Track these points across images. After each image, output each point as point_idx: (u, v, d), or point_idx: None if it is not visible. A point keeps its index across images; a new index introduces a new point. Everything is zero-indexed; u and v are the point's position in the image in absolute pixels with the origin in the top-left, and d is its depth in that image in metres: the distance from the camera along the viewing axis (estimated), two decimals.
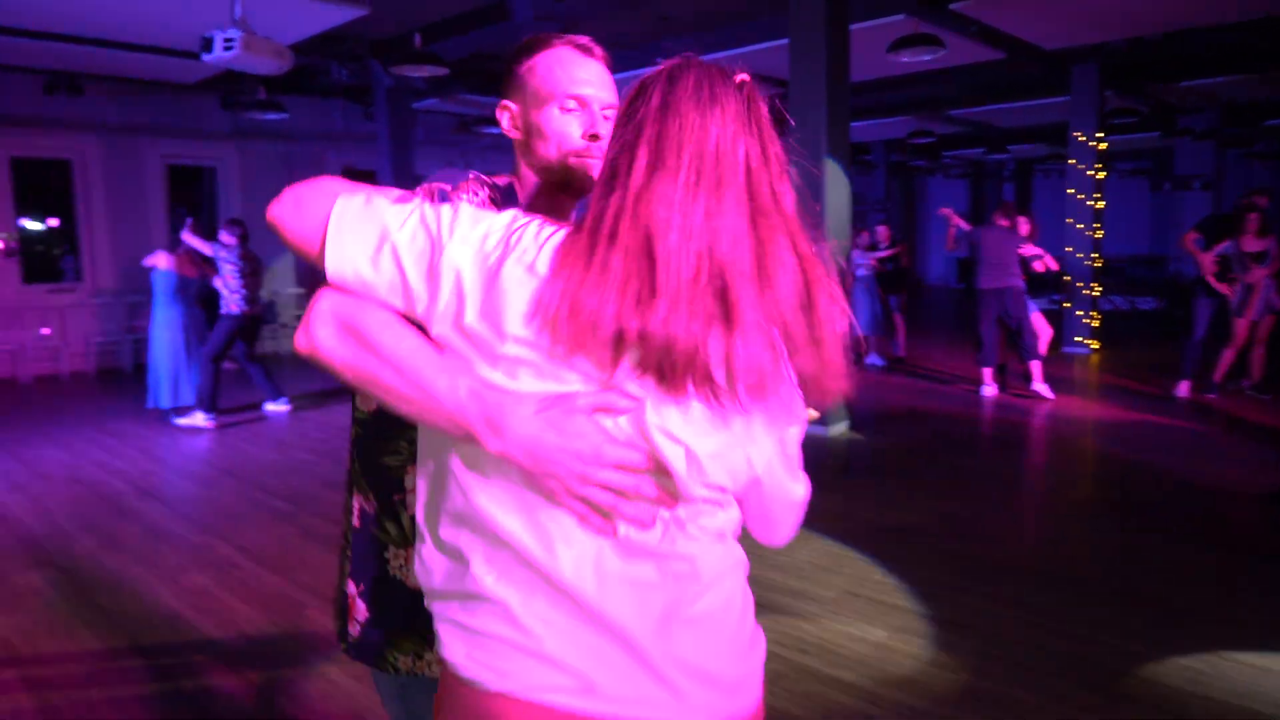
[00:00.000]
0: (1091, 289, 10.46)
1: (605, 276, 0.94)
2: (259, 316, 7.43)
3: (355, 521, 1.27)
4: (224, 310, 7.13)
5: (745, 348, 0.95)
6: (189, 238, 7.44)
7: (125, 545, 4.37)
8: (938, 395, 7.94)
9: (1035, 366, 7.54)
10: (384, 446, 1.25)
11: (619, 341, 0.94)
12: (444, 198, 1.23)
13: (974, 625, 3.28)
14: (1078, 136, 10.40)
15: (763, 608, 1.81)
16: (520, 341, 0.96)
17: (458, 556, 1.03)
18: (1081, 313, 10.45)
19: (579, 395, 0.96)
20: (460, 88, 10.90)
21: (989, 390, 7.79)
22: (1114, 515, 4.67)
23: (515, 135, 1.34)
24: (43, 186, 10.77)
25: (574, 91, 1.28)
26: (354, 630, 1.27)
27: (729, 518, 1.06)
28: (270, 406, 7.62)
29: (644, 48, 9.76)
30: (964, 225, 7.94)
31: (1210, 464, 5.47)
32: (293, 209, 1.06)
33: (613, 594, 0.99)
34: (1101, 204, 10.50)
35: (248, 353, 7.43)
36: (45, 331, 10.20)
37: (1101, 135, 10.34)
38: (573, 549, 0.99)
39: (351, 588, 1.28)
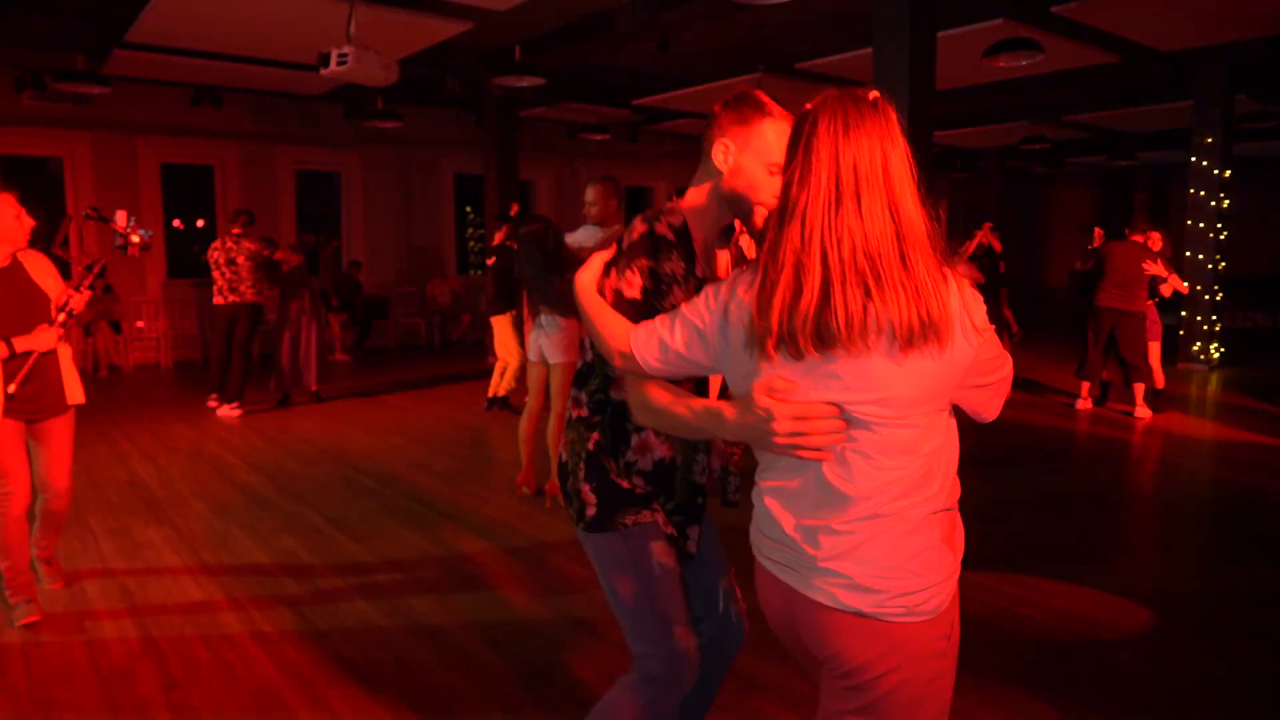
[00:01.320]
0: (1214, 310, 9.88)
1: (766, 290, 1.34)
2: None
3: (590, 447, 1.87)
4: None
5: (898, 313, 1.27)
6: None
7: (231, 511, 4.85)
8: (1026, 405, 7.72)
9: (1138, 389, 7.19)
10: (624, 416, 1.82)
11: (782, 336, 1.32)
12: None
13: None
14: (1201, 143, 9.87)
15: None
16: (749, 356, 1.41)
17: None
18: (1205, 326, 9.89)
19: (756, 385, 1.38)
20: (566, 97, 11.32)
21: (1083, 403, 7.53)
22: (1198, 535, 4.49)
23: (724, 168, 1.75)
24: (189, 189, 11.84)
25: (779, 160, 1.62)
26: (589, 513, 1.85)
27: (910, 434, 1.36)
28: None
29: (740, 55, 9.92)
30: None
31: None
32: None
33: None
34: (1223, 224, 9.90)
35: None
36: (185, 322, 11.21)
37: (1211, 141, 9.76)
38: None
39: (585, 489, 1.86)
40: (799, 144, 1.38)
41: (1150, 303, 7.24)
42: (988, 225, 10.28)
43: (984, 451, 6.14)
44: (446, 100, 11.84)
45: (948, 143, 16.15)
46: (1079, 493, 5.21)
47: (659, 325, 1.55)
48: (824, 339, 1.30)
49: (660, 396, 1.57)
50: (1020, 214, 22.31)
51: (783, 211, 1.38)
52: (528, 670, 3.01)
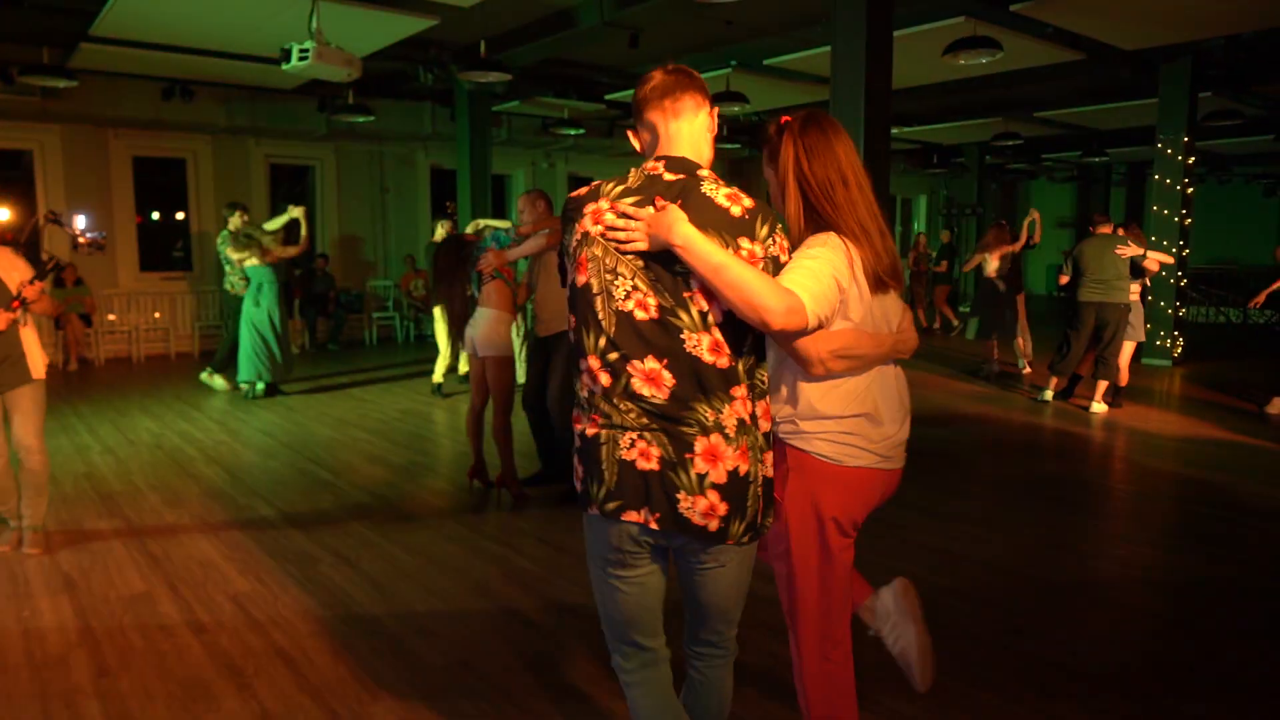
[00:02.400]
0: (1177, 304, 10.02)
1: (861, 250, 1.94)
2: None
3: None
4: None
5: (895, 263, 1.99)
6: None
7: (185, 503, 4.90)
8: (994, 399, 7.83)
9: (1101, 385, 7.31)
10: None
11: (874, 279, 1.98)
12: None
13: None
14: (1166, 140, 9.98)
15: None
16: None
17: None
18: (1169, 310, 10.03)
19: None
20: (538, 91, 11.35)
21: (1046, 396, 7.64)
22: (1150, 531, 4.60)
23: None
24: (161, 183, 11.83)
25: None
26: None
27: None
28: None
29: (711, 51, 9.97)
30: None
31: (1256, 481, 5.28)
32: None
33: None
34: (1186, 213, 10.03)
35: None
36: (156, 315, 11.20)
37: (1174, 138, 9.88)
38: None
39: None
40: (806, 154, 1.99)
41: (1136, 300, 7.35)
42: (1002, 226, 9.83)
43: (947, 445, 6.24)
44: (420, 94, 11.85)
45: (924, 139, 16.25)
46: (1024, 480, 5.31)
47: (817, 279, 1.78)
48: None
49: (847, 337, 1.95)
50: (1001, 210, 22.46)
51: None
52: (455, 658, 3.08)
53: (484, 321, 4.71)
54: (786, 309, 1.65)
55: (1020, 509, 4.83)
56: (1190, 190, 10.12)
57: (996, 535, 4.38)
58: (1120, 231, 7.42)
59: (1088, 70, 10.08)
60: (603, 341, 1.77)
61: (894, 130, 14.32)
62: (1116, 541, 4.40)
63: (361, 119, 10.26)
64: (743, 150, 15.45)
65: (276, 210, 11.60)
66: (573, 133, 12.65)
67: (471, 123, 10.89)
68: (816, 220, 1.96)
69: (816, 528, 2.00)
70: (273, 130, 11.60)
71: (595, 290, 1.78)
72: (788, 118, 2.03)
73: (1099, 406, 7.30)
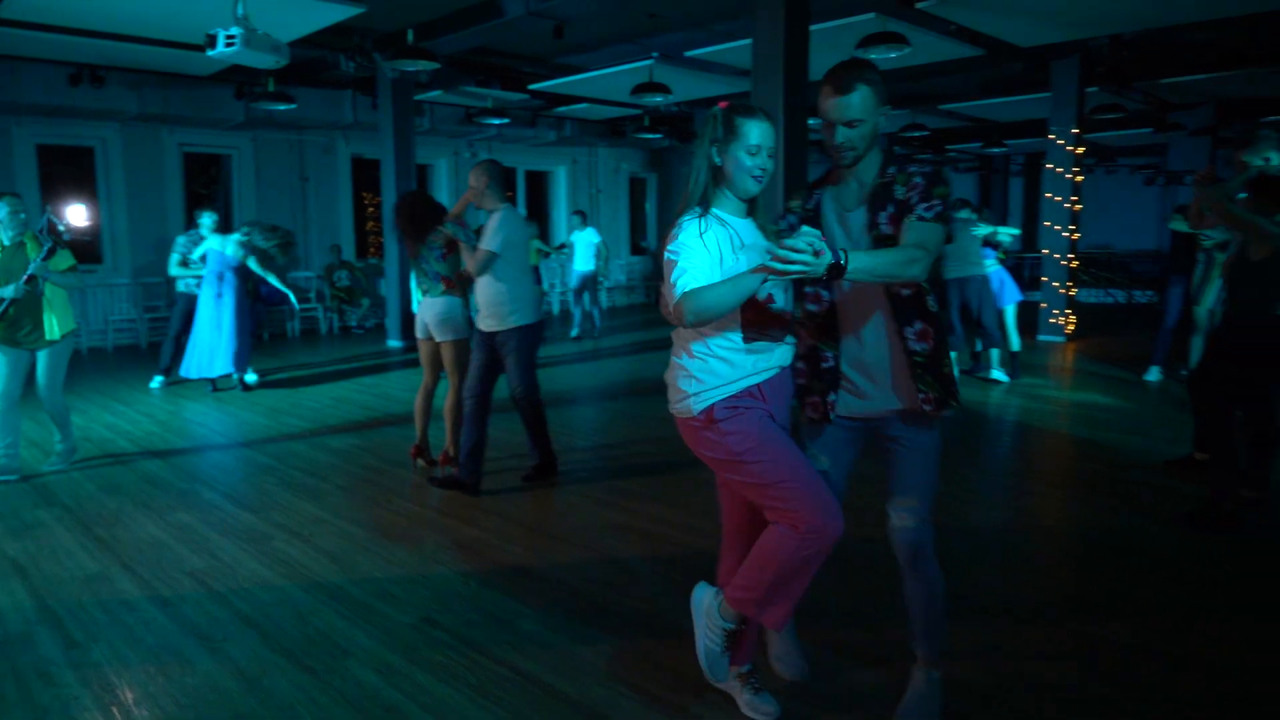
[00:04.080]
0: (1069, 275, 10.75)
1: None
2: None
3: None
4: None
5: None
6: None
7: (123, 490, 4.89)
8: None
9: (993, 354, 7.89)
10: None
11: None
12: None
13: (848, 558, 3.70)
14: (1055, 132, 10.68)
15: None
16: None
17: None
18: (1061, 291, 10.76)
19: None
20: (464, 81, 11.38)
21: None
22: (1012, 476, 5.06)
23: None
24: (67, 173, 11.40)
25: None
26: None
27: None
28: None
29: (635, 42, 10.21)
30: None
31: (1138, 438, 5.84)
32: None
33: None
34: (1077, 199, 10.78)
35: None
36: None
37: (1077, 131, 10.60)
38: None
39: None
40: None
41: (1001, 268, 7.99)
42: None
43: None
44: (342, 82, 11.73)
45: None
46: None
47: None
48: None
49: None
50: None
51: None
52: (420, 616, 3.25)
53: (439, 305, 4.85)
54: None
55: None
56: (1079, 179, 10.86)
57: None
58: (976, 214, 8.08)
59: (988, 66, 10.72)
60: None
61: (811, 121, 14.83)
62: (1018, 494, 4.84)
63: (282, 107, 10.13)
64: (663, 140, 15.74)
65: (191, 203, 11.40)
66: (497, 123, 12.72)
67: (394, 111, 10.85)
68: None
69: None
70: (187, 118, 11.31)
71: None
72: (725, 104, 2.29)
73: (998, 374, 7.88)
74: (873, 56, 8.10)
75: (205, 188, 12.52)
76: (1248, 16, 8.56)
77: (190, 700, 2.68)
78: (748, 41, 8.99)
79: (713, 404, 2.29)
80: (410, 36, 8.67)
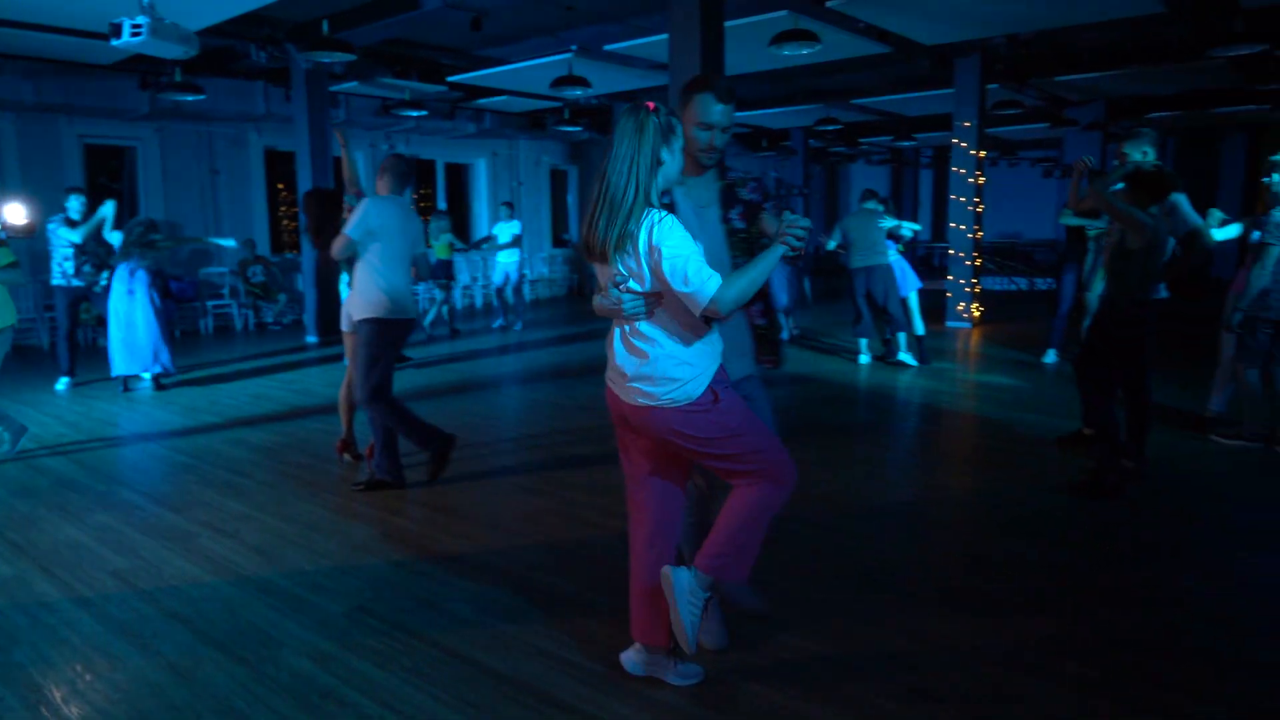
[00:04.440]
0: (974, 272, 11.28)
1: None
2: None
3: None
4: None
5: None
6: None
7: (36, 493, 4.77)
8: (819, 363, 8.63)
9: (900, 338, 8.26)
10: None
11: None
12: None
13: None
14: (961, 126, 11.18)
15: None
16: None
17: None
18: (966, 288, 11.27)
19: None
20: (381, 72, 11.23)
21: (865, 358, 8.52)
22: (921, 455, 5.36)
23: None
24: None
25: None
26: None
27: None
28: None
29: (554, 35, 10.26)
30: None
31: (1034, 415, 6.23)
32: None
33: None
34: (981, 188, 11.31)
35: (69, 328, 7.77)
36: None
37: (968, 125, 11.11)
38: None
39: None
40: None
41: (900, 258, 8.38)
42: None
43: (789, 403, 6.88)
44: (253, 73, 11.45)
45: (754, 123, 17.19)
46: (848, 427, 6.02)
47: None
48: None
49: None
50: (825, 190, 23.99)
51: None
52: (353, 605, 3.31)
53: (351, 296, 4.86)
54: None
55: (845, 450, 5.51)
56: (982, 180, 11.38)
57: (827, 472, 5.01)
58: (883, 205, 8.45)
59: (896, 62, 11.13)
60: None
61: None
62: (924, 471, 5.14)
63: (190, 98, 9.83)
64: (583, 133, 15.81)
65: (93, 197, 10.95)
66: (414, 115, 12.59)
67: (309, 103, 10.65)
68: None
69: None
70: (87, 108, 10.87)
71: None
72: (652, 104, 2.40)
73: (905, 358, 8.27)
74: (785, 53, 8.38)
75: (112, 181, 12.04)
76: (1133, 19, 9.14)
77: (121, 696, 2.69)
78: (664, 36, 9.19)
79: (710, 384, 2.44)
80: (325, 27, 8.54)
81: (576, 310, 14.37)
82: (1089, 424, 5.36)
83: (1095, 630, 3.03)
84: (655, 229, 2.30)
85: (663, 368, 2.42)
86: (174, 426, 6.33)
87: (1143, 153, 4.87)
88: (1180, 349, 8.47)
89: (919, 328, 8.48)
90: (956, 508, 4.47)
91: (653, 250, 2.31)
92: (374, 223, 4.52)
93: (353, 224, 4.50)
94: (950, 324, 11.21)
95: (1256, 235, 5.20)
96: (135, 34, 6.17)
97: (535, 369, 8.78)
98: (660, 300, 2.41)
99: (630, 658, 2.73)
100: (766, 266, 2.33)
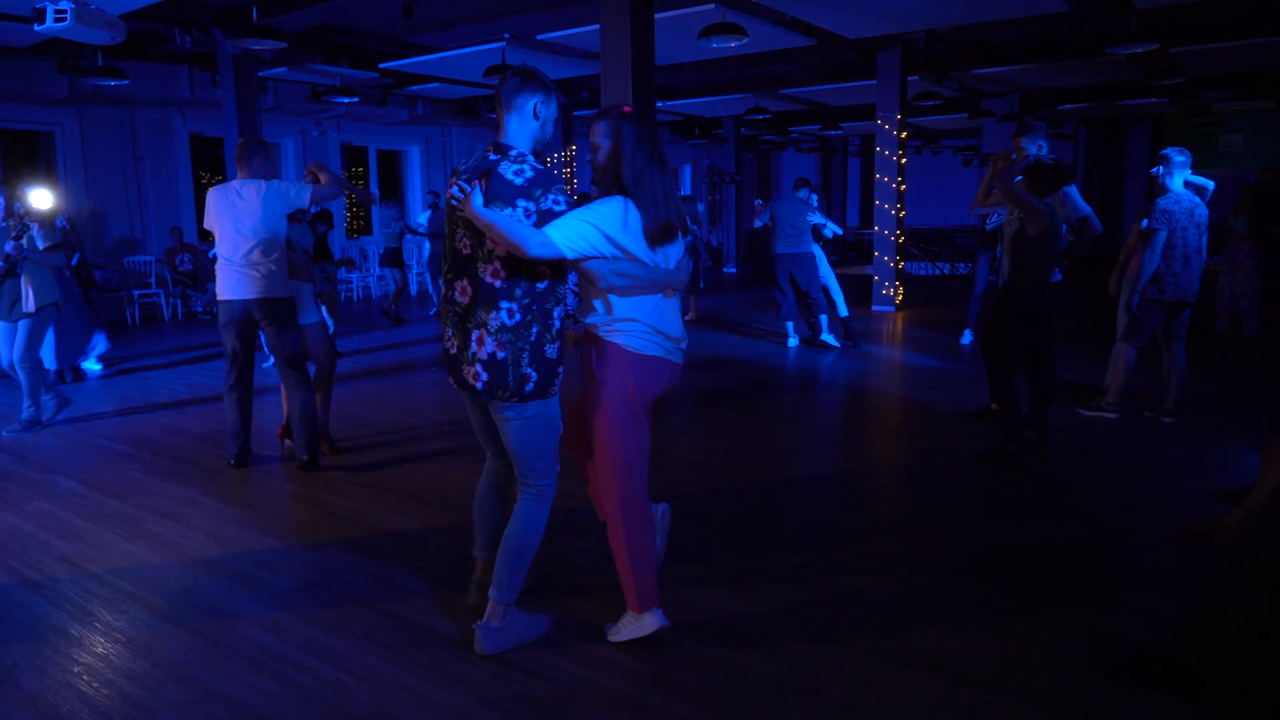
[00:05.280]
0: (897, 258, 11.76)
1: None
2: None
3: (532, 338, 2.69)
4: None
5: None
6: None
7: None
8: (748, 346, 8.95)
9: (822, 320, 8.63)
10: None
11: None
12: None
13: (715, 515, 4.16)
14: (884, 116, 11.62)
15: None
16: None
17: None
18: (891, 265, 11.75)
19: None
20: (310, 58, 11.12)
21: (792, 341, 8.87)
22: (849, 427, 5.71)
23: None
24: None
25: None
26: (528, 388, 2.72)
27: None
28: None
29: (486, 23, 10.31)
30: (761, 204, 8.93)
31: (948, 392, 6.63)
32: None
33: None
34: (902, 179, 11.78)
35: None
36: None
37: (891, 111, 11.56)
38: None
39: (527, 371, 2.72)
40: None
41: (822, 245, 8.75)
42: None
43: (711, 385, 7.17)
44: (177, 57, 11.21)
45: (686, 111, 17.45)
46: (774, 406, 6.33)
47: (572, 224, 2.60)
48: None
49: (627, 265, 2.74)
50: (756, 178, 24.42)
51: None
52: (304, 580, 3.46)
53: (298, 291, 4.95)
54: (537, 243, 2.51)
55: (771, 428, 5.82)
56: (904, 161, 11.86)
57: (750, 447, 5.29)
58: (813, 194, 8.78)
59: (821, 54, 11.49)
60: (446, 267, 2.77)
61: (659, 103, 15.31)
62: (844, 445, 5.47)
63: (112, 82, 9.61)
64: None
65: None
66: (346, 101, 12.49)
67: (236, 89, 10.50)
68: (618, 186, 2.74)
69: (628, 397, 2.75)
70: (1, 92, 10.52)
71: (446, 234, 2.73)
72: (629, 108, 2.75)
73: (828, 339, 8.65)
74: (714, 45, 8.61)
75: (31, 166, 11.66)
76: (1041, 16, 9.64)
77: (80, 669, 2.80)
78: (595, 26, 9.35)
79: None
80: (254, 14, 8.45)
81: None
82: (995, 399, 5.78)
83: (990, 580, 3.36)
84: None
85: None
86: (110, 417, 6.29)
87: (1038, 146, 5.25)
88: (1082, 325, 9.03)
89: (842, 309, 8.85)
90: (872, 478, 4.80)
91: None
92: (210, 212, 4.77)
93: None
94: (876, 308, 11.67)
95: (1145, 223, 5.66)
96: (59, 19, 6.08)
97: None
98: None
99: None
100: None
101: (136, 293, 11.83)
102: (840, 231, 9.10)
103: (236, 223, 4.66)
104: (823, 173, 25.04)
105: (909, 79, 11.89)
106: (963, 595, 3.23)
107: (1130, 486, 4.52)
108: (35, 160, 11.80)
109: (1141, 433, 5.52)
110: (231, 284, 4.74)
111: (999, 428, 4.98)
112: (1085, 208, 5.30)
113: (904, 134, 11.75)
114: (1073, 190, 5.23)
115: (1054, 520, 4.01)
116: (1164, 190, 5.54)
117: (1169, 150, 5.47)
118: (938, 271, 18.74)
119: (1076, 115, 17.91)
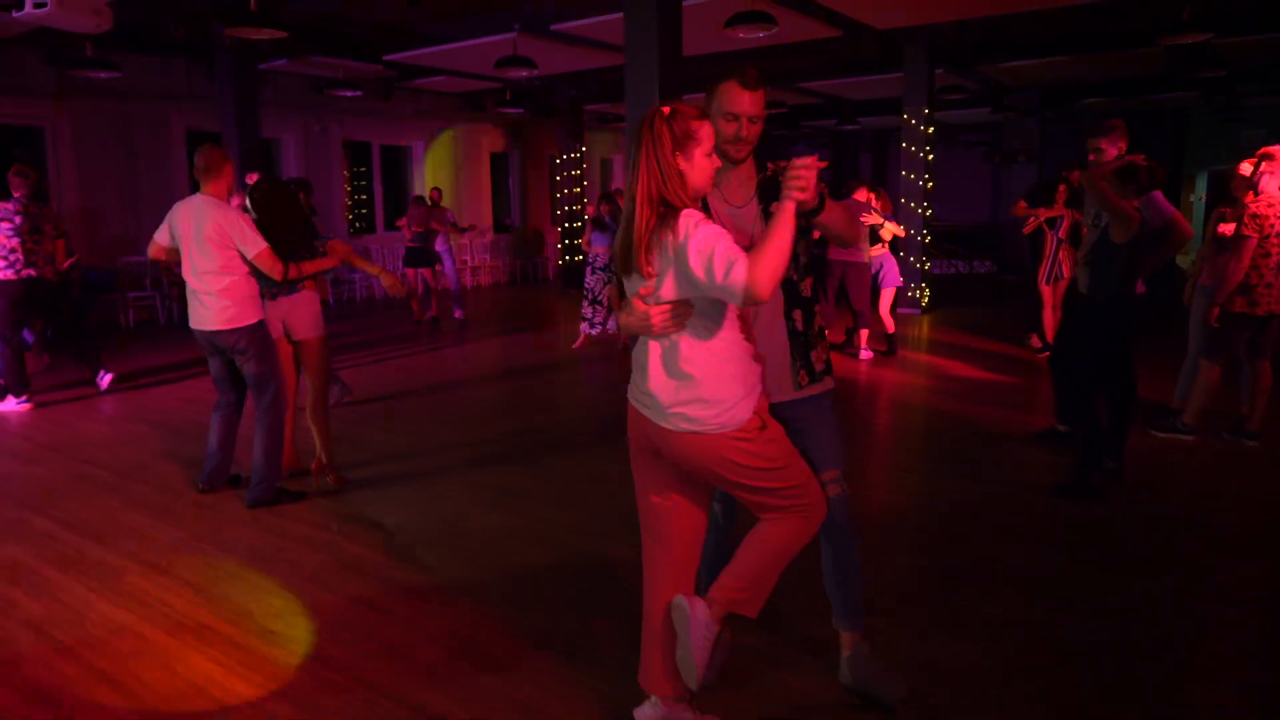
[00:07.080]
0: (924, 259, 11.26)
1: None
2: (53, 283, 6.82)
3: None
4: None
5: None
6: None
7: None
8: None
9: (863, 334, 8.13)
10: None
11: None
12: None
13: None
14: (910, 109, 11.11)
15: None
16: None
17: None
18: (917, 266, 11.25)
19: None
20: (313, 50, 10.62)
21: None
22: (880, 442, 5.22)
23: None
24: None
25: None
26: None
27: None
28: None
29: (496, 13, 9.81)
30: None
31: (1001, 409, 6.15)
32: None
33: None
34: (929, 176, 11.28)
35: (45, 326, 7.06)
36: None
37: (918, 106, 11.05)
38: None
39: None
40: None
41: (886, 253, 8.20)
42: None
43: None
44: (173, 48, 10.70)
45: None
46: None
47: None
48: None
49: None
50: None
51: None
52: (308, 654, 2.97)
53: (302, 303, 4.47)
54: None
55: None
56: (931, 156, 11.35)
57: None
58: (872, 197, 8.21)
59: (845, 46, 10.97)
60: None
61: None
62: (899, 473, 4.98)
63: (104, 74, 9.11)
64: (526, 115, 15.34)
65: None
66: (349, 95, 12.00)
67: (235, 82, 10.01)
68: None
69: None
70: None
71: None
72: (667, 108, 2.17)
73: (866, 354, 8.15)
74: (741, 35, 8.11)
75: (25, 163, 11.13)
76: (1081, 7, 9.13)
77: None
78: (618, 15, 8.84)
79: (755, 409, 2.19)
80: (253, 2, 7.94)
81: (519, 298, 13.99)
82: (1064, 420, 5.29)
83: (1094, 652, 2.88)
84: (680, 228, 2.06)
85: (711, 388, 2.14)
86: (96, 439, 5.81)
87: (1119, 147, 4.75)
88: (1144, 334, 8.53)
89: (890, 324, 8.35)
90: (939, 514, 4.31)
91: (678, 249, 2.05)
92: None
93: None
94: (901, 310, 11.16)
95: (1220, 225, 5.16)
96: (39, 4, 5.58)
97: (482, 364, 8.41)
98: (692, 310, 2.14)
99: (649, 714, 2.45)
100: (783, 228, 2.02)
101: (131, 294, 11.33)
102: (901, 234, 8.43)
103: (189, 238, 4.29)
104: (832, 168, 24.51)
105: (935, 71, 11.38)
106: (1083, 677, 2.75)
107: (1230, 523, 4.03)
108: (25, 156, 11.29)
109: (1226, 457, 5.04)
110: (196, 308, 4.37)
111: (1079, 455, 4.49)
112: (1170, 210, 4.79)
113: (931, 129, 11.25)
114: (1157, 193, 4.73)
115: (1163, 568, 3.52)
116: (1250, 190, 5.06)
117: (1273, 147, 4.99)
118: (953, 270, 18.25)
119: (1096, 110, 17.39)
